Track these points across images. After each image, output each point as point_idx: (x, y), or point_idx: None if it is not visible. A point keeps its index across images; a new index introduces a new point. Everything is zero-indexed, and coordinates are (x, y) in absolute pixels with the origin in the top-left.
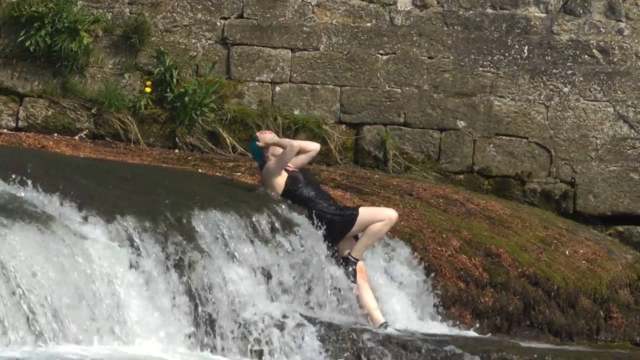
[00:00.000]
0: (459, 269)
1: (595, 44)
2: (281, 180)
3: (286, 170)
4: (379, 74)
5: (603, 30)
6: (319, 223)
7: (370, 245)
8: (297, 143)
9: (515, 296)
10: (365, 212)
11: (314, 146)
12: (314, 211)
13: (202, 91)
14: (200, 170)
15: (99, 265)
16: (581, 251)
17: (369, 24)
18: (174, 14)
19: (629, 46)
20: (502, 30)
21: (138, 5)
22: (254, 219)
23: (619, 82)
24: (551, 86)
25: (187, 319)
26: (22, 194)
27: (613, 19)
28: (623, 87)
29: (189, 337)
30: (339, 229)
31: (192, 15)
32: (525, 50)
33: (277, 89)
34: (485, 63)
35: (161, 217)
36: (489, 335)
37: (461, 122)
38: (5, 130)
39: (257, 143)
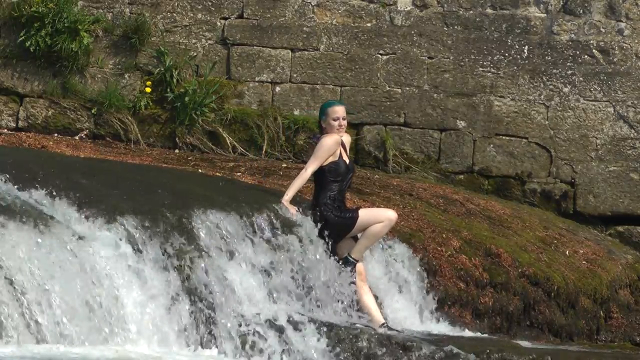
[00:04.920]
0: (459, 269)
1: (595, 44)
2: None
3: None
4: (379, 74)
5: (603, 31)
6: (319, 222)
7: (369, 246)
8: None
9: (515, 296)
10: (365, 214)
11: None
12: (316, 209)
13: (202, 91)
14: (200, 171)
15: (98, 265)
16: (581, 251)
17: (369, 24)
18: (174, 14)
19: (629, 46)
20: (502, 30)
21: (138, 5)
22: (254, 219)
23: (619, 82)
24: (551, 86)
25: (186, 319)
26: (22, 194)
27: (613, 19)
28: (623, 87)
29: (189, 337)
30: (338, 230)
31: (192, 15)
32: (525, 50)
33: (277, 89)
34: (485, 63)
35: (161, 217)
36: (488, 335)
37: (461, 122)
38: (6, 130)
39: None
